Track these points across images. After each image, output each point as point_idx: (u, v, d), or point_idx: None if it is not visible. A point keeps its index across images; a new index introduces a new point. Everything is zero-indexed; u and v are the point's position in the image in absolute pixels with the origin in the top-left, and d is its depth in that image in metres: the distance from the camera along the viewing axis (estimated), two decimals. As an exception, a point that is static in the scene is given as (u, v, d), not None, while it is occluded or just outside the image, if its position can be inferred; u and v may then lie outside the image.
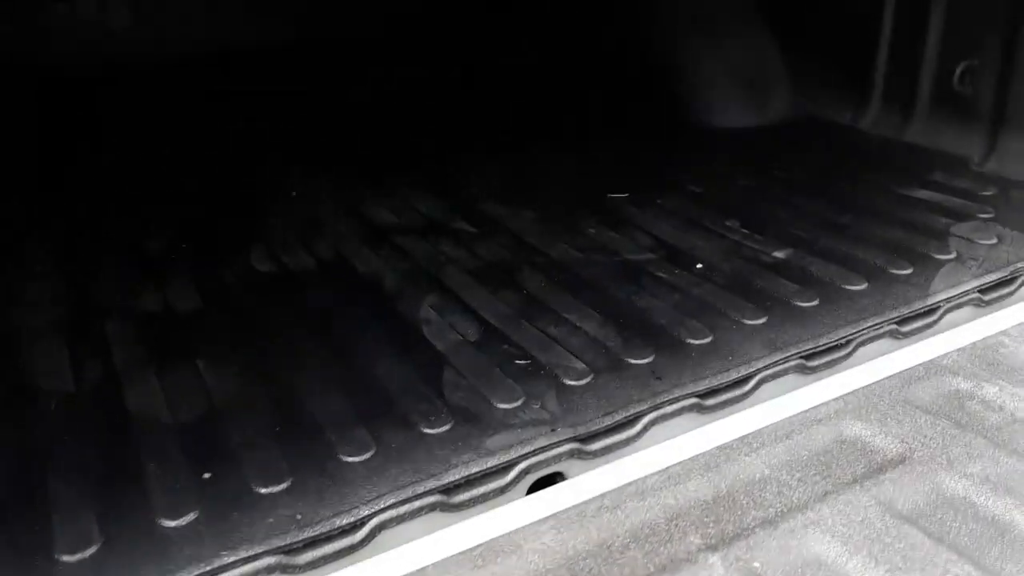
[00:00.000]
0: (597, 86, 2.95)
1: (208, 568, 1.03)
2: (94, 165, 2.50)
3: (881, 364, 1.44)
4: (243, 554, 1.05)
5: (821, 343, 1.46)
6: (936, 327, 1.56)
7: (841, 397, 1.31)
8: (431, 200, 2.20)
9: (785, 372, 1.42)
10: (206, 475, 1.19)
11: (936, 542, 1.01)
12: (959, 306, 1.59)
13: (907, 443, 1.19)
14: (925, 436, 1.20)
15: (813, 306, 1.57)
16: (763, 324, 1.52)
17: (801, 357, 1.44)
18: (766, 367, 1.41)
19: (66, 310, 1.69)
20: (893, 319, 1.53)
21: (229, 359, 1.49)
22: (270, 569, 1.06)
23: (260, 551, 1.06)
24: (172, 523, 1.11)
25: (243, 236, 2.01)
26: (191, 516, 1.12)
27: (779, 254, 1.79)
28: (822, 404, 1.29)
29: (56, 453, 1.24)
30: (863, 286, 1.63)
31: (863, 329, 1.50)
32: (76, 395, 1.40)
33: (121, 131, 2.74)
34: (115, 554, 1.06)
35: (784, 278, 1.67)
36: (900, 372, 1.37)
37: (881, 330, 1.52)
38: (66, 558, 1.05)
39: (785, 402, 1.35)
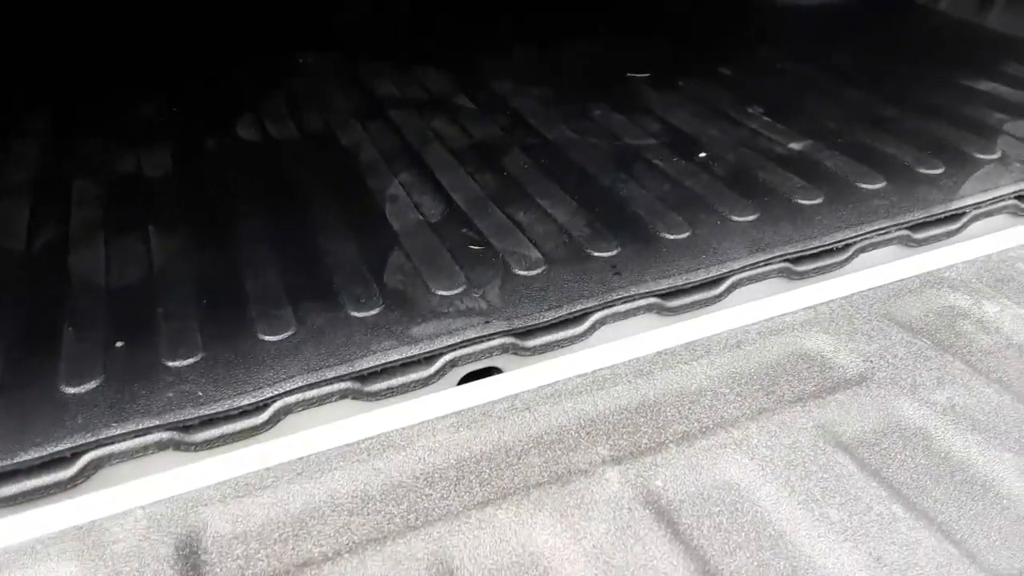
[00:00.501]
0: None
1: (94, 438, 1.00)
2: (96, 22, 2.43)
3: (881, 273, 1.27)
4: (132, 427, 1.02)
5: (811, 245, 1.29)
6: (958, 236, 1.37)
7: (813, 306, 1.16)
8: (439, 75, 2.06)
9: (765, 276, 1.28)
10: (119, 343, 1.15)
11: (869, 475, 0.88)
12: (989, 214, 1.39)
13: (871, 362, 1.04)
14: (895, 356, 1.05)
15: (815, 204, 1.40)
16: (752, 221, 1.36)
17: (787, 260, 1.29)
18: (743, 268, 1.26)
19: (41, 169, 1.66)
20: (905, 223, 1.35)
21: (179, 226, 1.43)
22: (162, 444, 1.02)
23: (152, 424, 1.02)
24: (72, 390, 1.07)
25: (236, 104, 1.93)
26: (92, 384, 1.08)
27: (795, 146, 1.60)
28: (788, 312, 1.15)
29: (-22, 310, 1.22)
30: (879, 184, 1.44)
31: (866, 233, 1.32)
32: (23, 253, 1.38)
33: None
34: (7, 415, 1.03)
35: (792, 172, 1.49)
36: (892, 283, 1.20)
37: (889, 235, 1.34)
38: (-42, 417, 1.03)
39: (759, 309, 1.21)
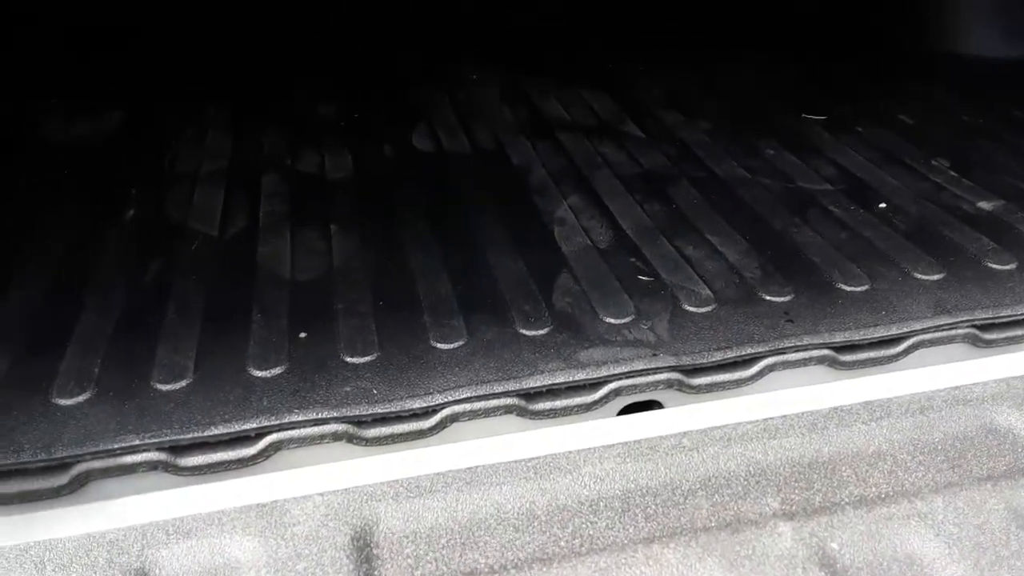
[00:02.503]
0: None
1: (277, 422, 1.06)
2: (285, 27, 2.57)
3: (1079, 351, 1.20)
4: (312, 415, 1.07)
5: (1002, 314, 1.23)
6: None
7: (1006, 379, 1.09)
8: (606, 100, 2.08)
9: (949, 340, 1.22)
10: (302, 334, 1.22)
11: (1067, 570, 0.83)
12: None
13: (1071, 447, 0.98)
14: (1098, 444, 0.98)
15: (1007, 270, 1.32)
16: (937, 281, 1.30)
17: (974, 326, 1.22)
18: (925, 330, 1.21)
19: (232, 162, 1.77)
20: (1108, 301, 1.26)
21: (359, 227, 1.50)
22: (336, 436, 1.07)
23: (330, 416, 1.07)
24: (259, 373, 1.14)
25: (412, 114, 2.00)
26: (278, 370, 1.14)
27: (985, 205, 1.52)
28: (978, 383, 1.09)
29: (177, 287, 1.31)
30: (1080, 256, 1.35)
31: (1064, 307, 1.24)
32: (216, 239, 1.47)
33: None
34: (203, 389, 1.11)
35: (982, 233, 1.42)
36: (1094, 364, 1.13)
37: (1088, 311, 1.25)
38: (159, 386, 1.11)
39: (940, 374, 1.16)
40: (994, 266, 1.33)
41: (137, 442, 1.03)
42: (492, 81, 2.23)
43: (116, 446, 1.02)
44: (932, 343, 1.21)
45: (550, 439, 1.03)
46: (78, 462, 1.01)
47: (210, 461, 1.05)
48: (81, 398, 1.09)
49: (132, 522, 0.95)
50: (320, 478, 0.98)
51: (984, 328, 1.23)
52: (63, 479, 1.01)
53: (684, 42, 2.46)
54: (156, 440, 1.03)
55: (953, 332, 1.22)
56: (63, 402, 1.09)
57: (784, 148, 1.79)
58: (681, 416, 1.07)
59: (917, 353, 1.21)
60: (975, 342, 1.23)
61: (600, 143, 1.85)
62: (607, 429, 1.05)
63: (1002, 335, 1.23)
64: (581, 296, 1.29)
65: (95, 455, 1.02)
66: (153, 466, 1.03)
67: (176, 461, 1.04)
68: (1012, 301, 1.25)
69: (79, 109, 1.99)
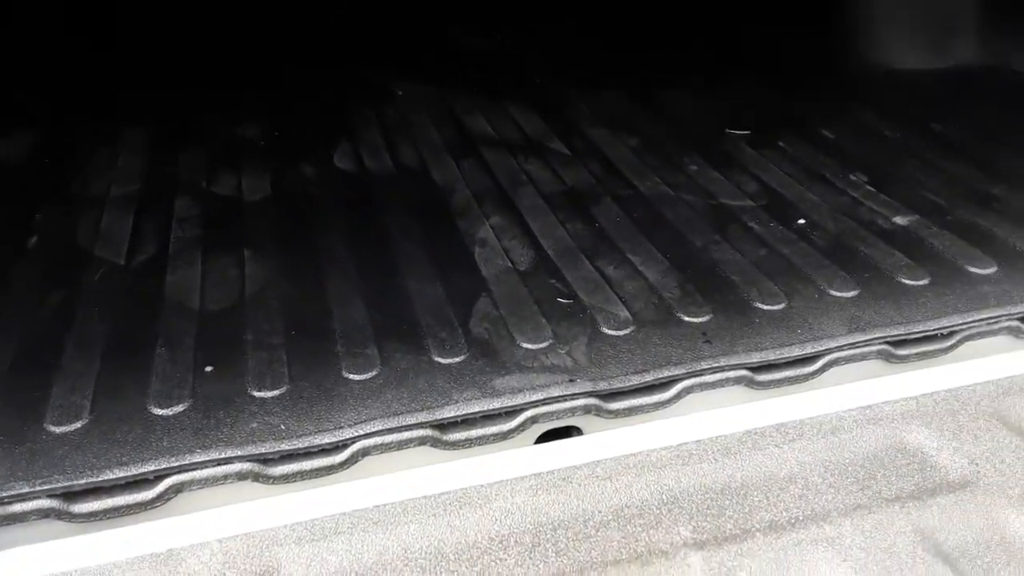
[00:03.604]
0: (747, 15, 2.65)
1: (178, 463, 1.01)
2: (198, 45, 2.51)
3: (990, 367, 1.21)
4: (215, 455, 1.03)
5: (915, 330, 1.24)
6: (1075, 332, 1.29)
7: (916, 397, 1.10)
8: (534, 117, 2.07)
9: (863, 357, 1.23)
10: (208, 368, 1.17)
11: (970, 593, 0.83)
12: (1111, 311, 1.31)
13: (977, 465, 0.99)
14: (1002, 462, 0.99)
15: (920, 285, 1.34)
16: (852, 298, 1.31)
17: (887, 343, 1.23)
18: (840, 348, 1.21)
19: (145, 184, 1.71)
20: (1017, 314, 1.28)
21: (275, 253, 1.46)
22: (242, 475, 1.03)
23: (235, 455, 1.03)
24: (160, 411, 1.09)
25: (334, 132, 1.97)
26: (180, 407, 1.10)
27: (900, 220, 1.54)
28: (889, 401, 1.10)
29: (77, 320, 1.26)
30: (990, 270, 1.37)
31: (974, 321, 1.26)
32: (123, 267, 1.42)
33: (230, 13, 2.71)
34: (99, 430, 1.06)
35: (897, 248, 1.44)
36: (1001, 379, 1.14)
37: (999, 324, 1.27)
38: (52, 428, 1.06)
39: (853, 393, 1.17)
40: (907, 282, 1.35)
41: (27, 489, 0.97)
42: (418, 98, 2.20)
43: (5, 494, 0.97)
44: (846, 360, 1.22)
45: (462, 472, 1.01)
46: (-39, 513, 0.96)
47: (105, 507, 1.00)
48: (-33, 443, 1.03)
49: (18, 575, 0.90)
50: (219, 523, 0.94)
51: (897, 344, 1.24)
52: (-55, 532, 0.95)
53: (615, 61, 2.47)
54: (47, 487, 0.98)
55: (867, 349, 1.23)
56: (-53, 449, 1.03)
57: (708, 164, 1.80)
58: (596, 443, 1.05)
59: (832, 371, 1.22)
60: (888, 358, 1.24)
61: (525, 160, 1.83)
62: (522, 459, 1.03)
63: (914, 351, 1.24)
64: (499, 321, 1.27)
65: (-20, 505, 0.96)
66: (45, 514, 0.98)
67: (69, 508, 0.99)
68: (924, 316, 1.27)
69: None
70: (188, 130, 1.98)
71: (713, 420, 1.09)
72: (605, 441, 1.06)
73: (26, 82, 2.23)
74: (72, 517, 0.99)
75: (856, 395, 1.14)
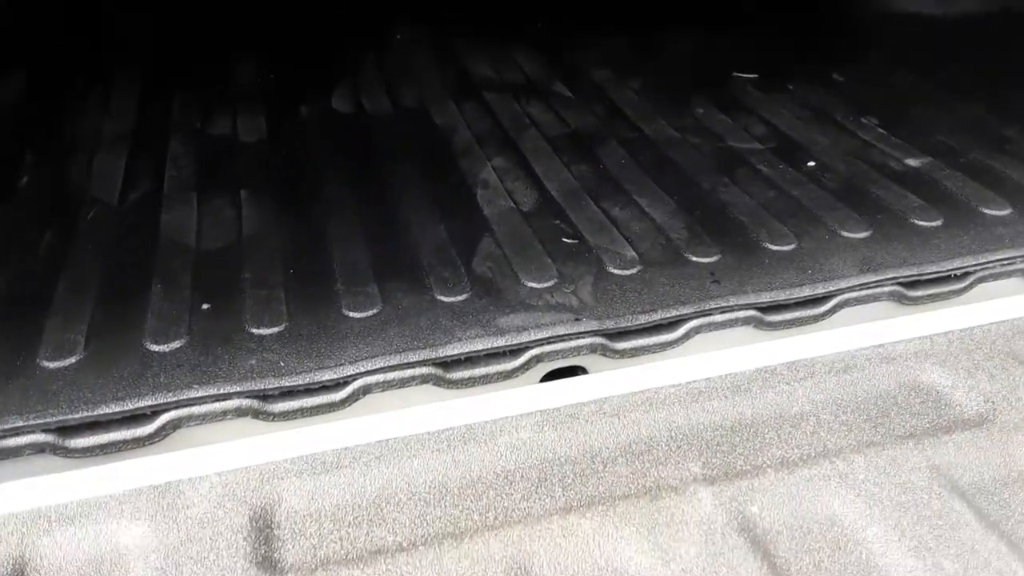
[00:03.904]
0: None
1: (175, 398, 0.99)
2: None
3: (1006, 307, 1.19)
4: (213, 391, 1.00)
5: (927, 270, 1.21)
6: (1090, 274, 1.26)
7: (929, 336, 1.08)
8: (537, 60, 2.01)
9: (875, 298, 1.20)
10: (205, 305, 1.14)
11: (987, 527, 0.81)
12: (1126, 253, 1.28)
13: (993, 403, 0.96)
14: (1019, 399, 0.97)
15: (933, 226, 1.31)
16: (863, 239, 1.28)
17: (900, 284, 1.21)
18: (851, 288, 1.19)
19: (138, 124, 1.67)
20: (1032, 256, 1.25)
21: (271, 193, 1.42)
22: (241, 411, 1.01)
23: (233, 391, 1.01)
24: (156, 347, 1.07)
25: (332, 74, 1.91)
26: (176, 344, 1.07)
27: (913, 162, 1.51)
28: (902, 341, 1.07)
29: (70, 260, 1.22)
30: (1005, 211, 1.34)
31: (988, 262, 1.23)
32: (116, 206, 1.38)
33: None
34: (94, 365, 1.03)
35: (909, 190, 1.40)
36: (1017, 318, 1.12)
37: (1013, 266, 1.25)
38: (46, 363, 1.03)
39: (864, 333, 1.14)
40: (920, 223, 1.32)
41: (21, 423, 0.95)
42: (419, 40, 2.14)
43: (-3, 428, 0.94)
44: (858, 301, 1.19)
45: (466, 409, 0.98)
46: (-47, 447, 0.93)
47: (102, 442, 0.98)
48: (-41, 378, 1.01)
49: (13, 508, 0.88)
50: (218, 457, 0.92)
51: (909, 285, 1.21)
52: (-62, 466, 0.93)
53: (617, 3, 2.40)
54: (42, 421, 0.96)
55: (878, 290, 1.20)
56: (-61, 384, 1.00)
57: (715, 107, 1.75)
58: (603, 381, 1.03)
59: (843, 312, 1.19)
60: (900, 300, 1.21)
61: (528, 103, 1.79)
62: (526, 397, 1.01)
63: (926, 292, 1.22)
64: (502, 260, 1.24)
65: (-27, 439, 0.94)
66: (40, 448, 0.96)
67: (65, 443, 0.96)
68: (937, 257, 1.24)
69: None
70: (181, 70, 1.92)
71: (723, 358, 1.07)
72: (612, 379, 1.04)
73: (15, 21, 2.16)
74: (68, 452, 0.97)
75: (868, 334, 1.12)
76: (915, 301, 1.22)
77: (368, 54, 2.04)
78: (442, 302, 1.15)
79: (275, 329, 1.10)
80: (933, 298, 1.22)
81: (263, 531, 0.82)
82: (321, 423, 1.01)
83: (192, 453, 0.94)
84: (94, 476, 0.92)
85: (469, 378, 1.08)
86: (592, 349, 1.11)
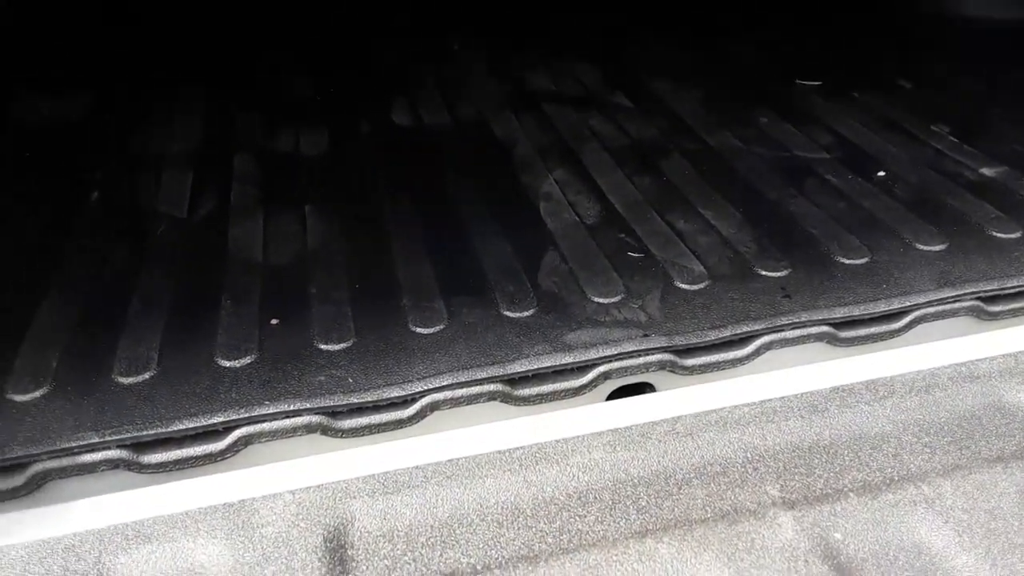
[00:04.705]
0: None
1: (247, 414, 1.00)
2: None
3: (1091, 323, 1.14)
4: (285, 407, 1.01)
5: (1008, 284, 1.17)
6: None
7: (1014, 354, 1.04)
8: (593, 71, 2.00)
9: (953, 313, 1.16)
10: (274, 321, 1.15)
11: (1087, 558, 0.77)
12: None
13: (1087, 426, 0.92)
14: (1115, 422, 0.92)
15: (1013, 239, 1.27)
16: (940, 252, 1.25)
17: (980, 299, 1.17)
18: (929, 303, 1.15)
19: (203, 142, 1.70)
20: (1121, 270, 1.20)
21: (335, 208, 1.43)
22: (310, 427, 1.01)
23: (303, 407, 1.01)
24: (227, 363, 1.08)
25: (390, 88, 1.93)
26: (247, 360, 1.08)
27: (988, 171, 1.46)
28: (984, 358, 1.03)
29: (141, 274, 1.25)
30: (1089, 224, 1.29)
31: (1074, 276, 1.19)
32: (184, 222, 1.41)
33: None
34: (167, 381, 1.04)
35: (985, 200, 1.36)
36: (1108, 336, 1.07)
37: (1101, 282, 1.19)
38: (121, 379, 1.05)
39: (944, 350, 1.11)
40: (999, 235, 1.27)
41: (96, 439, 0.96)
42: (477, 53, 2.15)
43: (74, 444, 0.96)
44: (935, 316, 1.15)
45: (535, 427, 0.97)
46: (34, 462, 0.95)
47: (175, 458, 0.99)
48: (37, 394, 1.03)
49: (90, 526, 0.89)
50: (291, 474, 0.93)
51: (989, 300, 1.17)
52: (18, 480, 0.95)
53: (672, 10, 2.38)
54: (117, 437, 0.97)
55: (957, 305, 1.16)
56: (18, 398, 1.02)
57: (779, 116, 1.72)
58: (674, 399, 1.01)
59: (920, 328, 1.16)
60: (980, 315, 1.17)
61: (588, 115, 1.78)
62: (596, 415, 0.99)
63: (1008, 307, 1.18)
64: (568, 275, 1.23)
65: (52, 454, 0.95)
66: (114, 464, 0.97)
67: (139, 459, 0.98)
68: (1018, 271, 1.19)
69: (43, 90, 1.91)
70: (243, 87, 1.95)
71: (796, 376, 1.04)
72: (683, 397, 1.02)
73: (81, 40, 2.22)
74: (141, 468, 0.98)
75: (949, 352, 1.08)
76: (995, 316, 1.18)
77: (425, 66, 2.05)
78: (508, 317, 1.14)
79: (343, 345, 1.10)
80: (1014, 313, 1.18)
81: (337, 551, 0.82)
82: (390, 441, 1.01)
83: (263, 471, 0.94)
84: (168, 493, 0.93)
85: (536, 395, 1.07)
86: (661, 366, 1.09)
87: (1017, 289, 1.17)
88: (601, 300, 1.18)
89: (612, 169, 1.55)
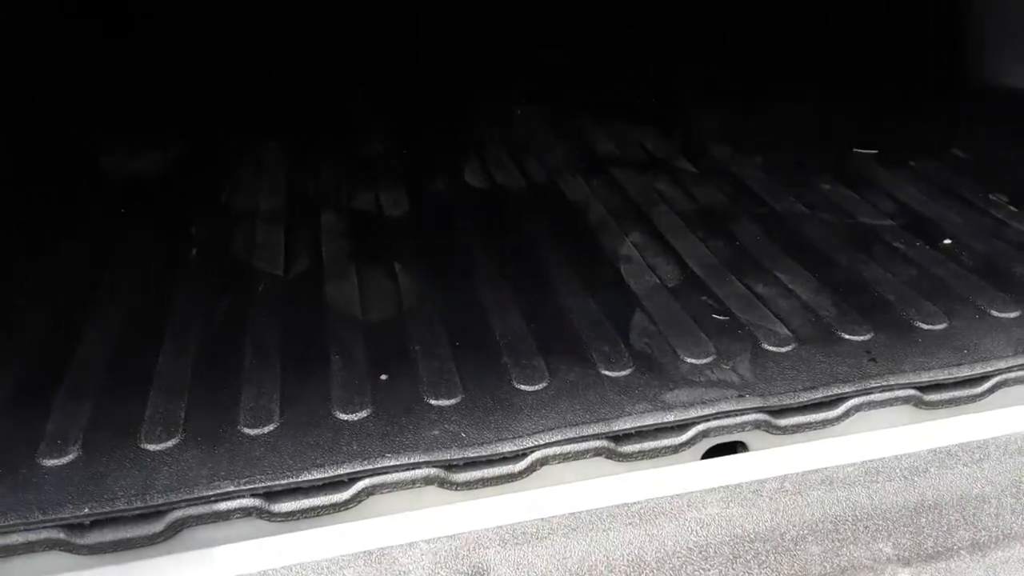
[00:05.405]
0: (861, 35, 2.63)
1: (371, 466, 1.05)
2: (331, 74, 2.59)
3: None
4: (405, 460, 1.06)
5: (1087, 353, 1.22)
6: None
7: (1101, 420, 1.09)
8: (655, 136, 2.09)
9: (1034, 378, 1.21)
10: (383, 376, 1.21)
11: None
12: None
13: None
14: None
15: (1084, 307, 1.32)
16: (1015, 319, 1.30)
17: (1058, 364, 1.22)
18: (1009, 369, 1.20)
19: (288, 199, 1.78)
20: None
21: (424, 266, 1.50)
22: (428, 480, 1.06)
23: (421, 460, 1.06)
24: (345, 416, 1.13)
25: (460, 150, 2.01)
26: (363, 413, 1.14)
27: (1051, 241, 1.52)
28: (1073, 424, 1.08)
29: (250, 328, 1.31)
30: None
31: None
32: (283, 278, 1.47)
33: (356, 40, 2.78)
34: (291, 433, 1.10)
35: (1053, 269, 1.42)
36: None
37: None
38: (247, 430, 1.11)
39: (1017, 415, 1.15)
40: (1071, 303, 1.33)
41: (232, 488, 1.02)
42: (538, 117, 2.23)
43: (211, 492, 1.01)
44: (1016, 381, 1.20)
45: (650, 482, 1.02)
46: (173, 509, 1.00)
47: (303, 507, 1.04)
48: (170, 443, 1.09)
49: (235, 572, 0.94)
50: (419, 524, 0.97)
51: (1068, 366, 1.22)
52: (157, 527, 1.00)
53: (727, 76, 2.47)
54: (251, 486, 1.02)
55: (1037, 370, 1.21)
56: (152, 447, 1.08)
57: (840, 183, 1.79)
58: (777, 458, 1.06)
59: (1000, 392, 1.21)
60: (1058, 380, 1.22)
61: (654, 179, 1.85)
62: (709, 471, 1.04)
63: (1084, 373, 1.22)
64: (658, 336, 1.29)
65: (190, 502, 1.01)
66: (247, 512, 1.02)
67: (270, 507, 1.03)
68: (1094, 339, 1.25)
69: (131, 146, 2.00)
70: (318, 147, 2.04)
71: (892, 438, 1.09)
72: (785, 455, 1.07)
73: (157, 100, 2.33)
74: (272, 516, 1.03)
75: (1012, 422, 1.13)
76: (1072, 382, 1.22)
77: (491, 129, 2.14)
78: (607, 376, 1.20)
79: (452, 401, 1.16)
80: (1090, 379, 1.23)
81: (479, 599, 0.87)
82: (505, 494, 1.06)
83: (392, 520, 0.99)
84: (304, 540, 0.98)
85: (639, 452, 1.12)
86: (756, 425, 1.14)
87: (1094, 356, 1.22)
88: (694, 361, 1.23)
89: (684, 232, 1.61)
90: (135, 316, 1.37)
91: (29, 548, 0.97)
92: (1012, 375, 1.20)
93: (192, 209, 1.73)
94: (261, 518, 1.03)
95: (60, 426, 1.11)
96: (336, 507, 1.04)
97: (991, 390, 1.20)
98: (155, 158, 1.97)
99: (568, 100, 2.32)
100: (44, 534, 0.97)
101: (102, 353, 1.27)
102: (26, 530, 0.96)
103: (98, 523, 0.99)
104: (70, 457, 1.06)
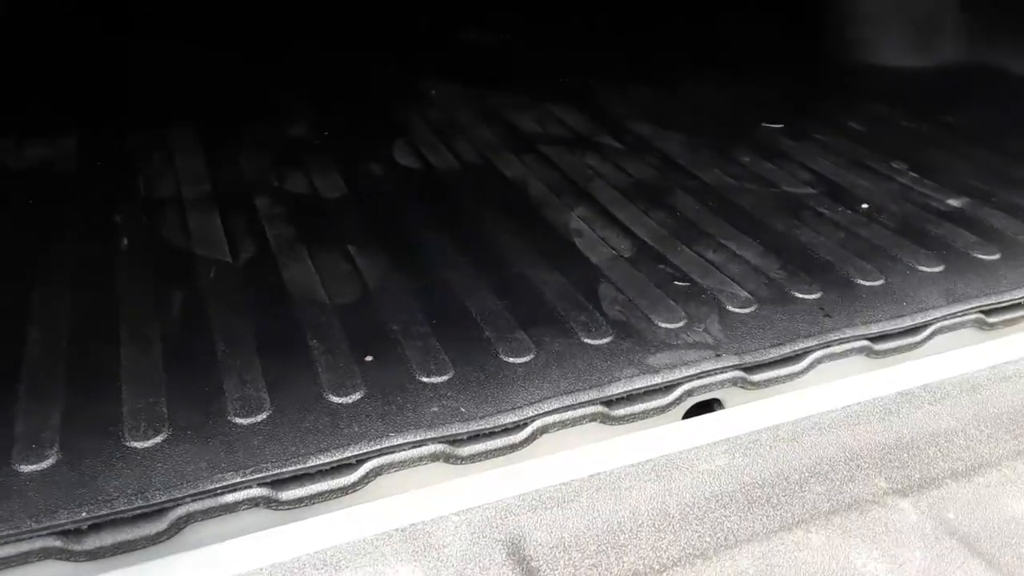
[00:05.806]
0: (750, 17, 2.79)
1: (377, 447, 1.03)
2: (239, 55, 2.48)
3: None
4: (411, 438, 1.05)
5: (1004, 299, 1.36)
6: None
7: (1013, 361, 1.22)
8: (575, 114, 2.13)
9: (963, 325, 1.34)
10: (368, 358, 1.19)
11: None
12: None
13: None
14: None
15: (994, 260, 1.46)
16: (940, 272, 1.42)
17: (981, 311, 1.35)
18: (944, 318, 1.32)
19: (215, 185, 1.69)
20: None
21: (379, 247, 1.48)
22: (435, 456, 1.05)
23: (427, 437, 1.05)
24: (339, 399, 1.10)
25: (383, 131, 1.98)
26: (357, 395, 1.11)
27: (954, 202, 1.67)
28: (1010, 362, 1.21)
29: (212, 317, 1.25)
30: (1058, 244, 1.51)
31: (1053, 289, 1.39)
32: (232, 265, 1.41)
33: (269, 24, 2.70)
34: (287, 420, 1.06)
35: (962, 228, 1.56)
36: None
37: (1066, 292, 1.41)
38: (239, 420, 1.06)
39: (959, 357, 1.28)
40: (982, 256, 1.47)
41: (239, 479, 0.97)
42: (454, 98, 2.23)
43: (216, 485, 0.97)
44: (950, 328, 1.32)
45: (636, 445, 1.07)
46: (176, 506, 0.95)
47: (311, 493, 1.01)
48: (158, 439, 1.02)
49: (254, 565, 0.90)
50: (454, 495, 0.97)
51: (989, 313, 1.36)
52: (161, 525, 0.94)
53: (636, 59, 2.55)
54: (258, 476, 0.98)
55: (965, 318, 1.34)
56: (139, 445, 1.02)
57: (757, 155, 1.90)
58: (780, 406, 1.13)
59: (937, 338, 1.33)
60: (982, 326, 1.35)
61: (584, 155, 1.89)
62: (714, 426, 1.10)
63: (1003, 318, 1.36)
64: (629, 304, 1.33)
65: (194, 497, 0.96)
66: (255, 503, 0.98)
67: (278, 495, 0.99)
68: (1008, 287, 1.39)
69: (28, 132, 1.85)
70: (233, 130, 1.96)
71: (849, 386, 1.18)
72: (750, 412, 1.13)
73: (58, 83, 2.15)
74: (279, 504, 0.99)
75: (956, 363, 1.25)
76: (992, 327, 1.36)
77: (410, 111, 2.12)
78: (590, 344, 1.23)
79: (444, 377, 1.15)
80: (1007, 324, 1.37)
81: (523, 563, 0.87)
82: (500, 465, 1.07)
83: (412, 497, 0.98)
84: (308, 528, 0.95)
85: (629, 414, 1.16)
86: (733, 382, 1.20)
87: (1011, 302, 1.36)
88: (668, 325, 1.28)
89: (626, 205, 1.66)
90: (78, 312, 1.27)
91: (23, 559, 0.89)
92: (947, 323, 1.32)
93: (108, 199, 1.62)
94: (269, 507, 0.99)
95: (29, 429, 1.03)
96: (344, 490, 1.02)
97: (930, 336, 1.31)
98: (54, 149, 1.82)
99: (477, 82, 2.32)
100: (39, 543, 0.89)
101: (54, 352, 1.17)
102: (19, 540, 0.89)
103: (96, 527, 0.92)
104: (50, 461, 0.98)
